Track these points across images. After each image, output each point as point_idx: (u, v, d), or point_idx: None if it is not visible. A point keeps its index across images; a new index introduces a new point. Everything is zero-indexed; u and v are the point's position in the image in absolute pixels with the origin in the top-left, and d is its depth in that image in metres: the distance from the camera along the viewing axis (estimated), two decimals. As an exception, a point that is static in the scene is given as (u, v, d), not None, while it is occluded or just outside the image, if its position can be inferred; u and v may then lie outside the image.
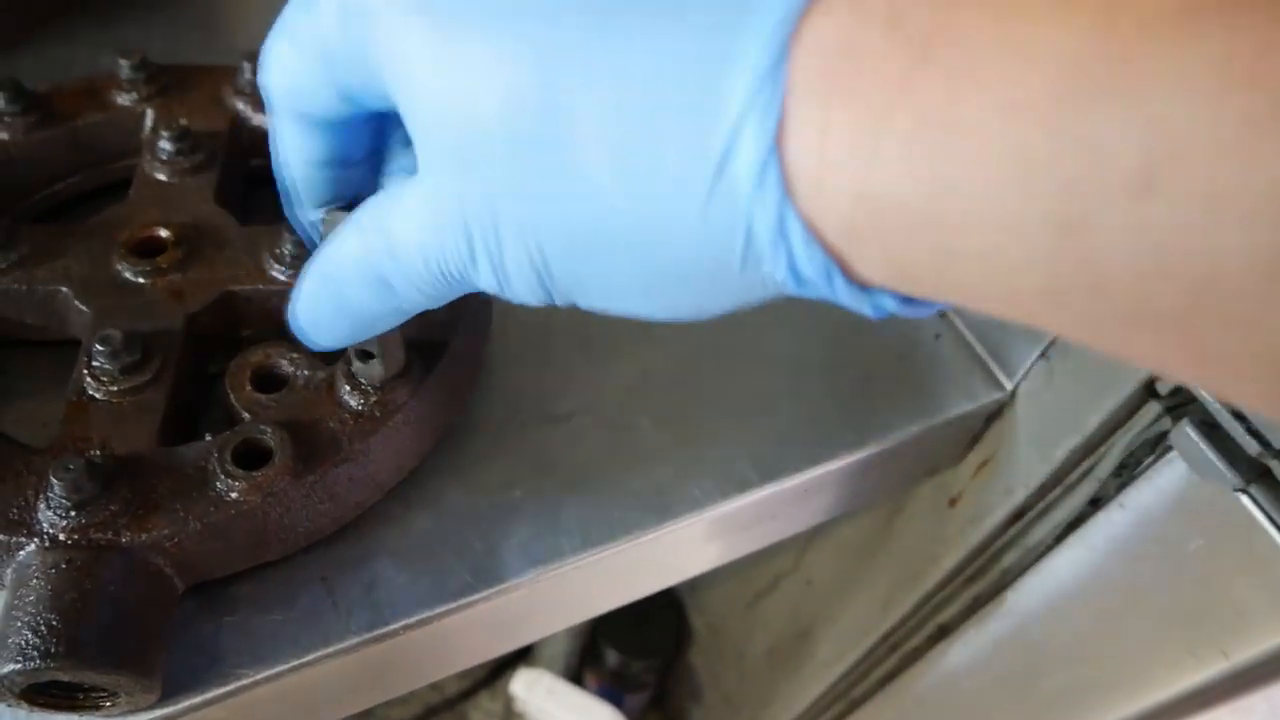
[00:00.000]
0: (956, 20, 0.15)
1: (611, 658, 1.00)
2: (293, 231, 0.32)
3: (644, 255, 0.19)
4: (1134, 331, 0.15)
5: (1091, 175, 0.14)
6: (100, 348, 0.29)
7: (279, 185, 0.27)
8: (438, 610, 0.30)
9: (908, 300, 0.19)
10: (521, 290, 0.22)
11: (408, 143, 0.26)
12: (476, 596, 0.31)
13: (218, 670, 0.28)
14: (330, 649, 0.29)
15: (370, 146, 0.26)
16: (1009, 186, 0.15)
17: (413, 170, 0.23)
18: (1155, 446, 0.36)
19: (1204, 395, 0.32)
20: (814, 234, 0.17)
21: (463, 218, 0.21)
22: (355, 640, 0.30)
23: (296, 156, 0.25)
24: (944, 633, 0.52)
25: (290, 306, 0.26)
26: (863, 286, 0.18)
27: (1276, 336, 0.13)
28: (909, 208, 0.16)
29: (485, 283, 0.22)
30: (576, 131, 0.18)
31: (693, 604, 0.98)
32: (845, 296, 0.18)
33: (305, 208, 0.27)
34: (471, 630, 0.32)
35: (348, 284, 0.24)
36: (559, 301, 0.22)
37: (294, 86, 0.23)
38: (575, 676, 1.04)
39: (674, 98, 0.17)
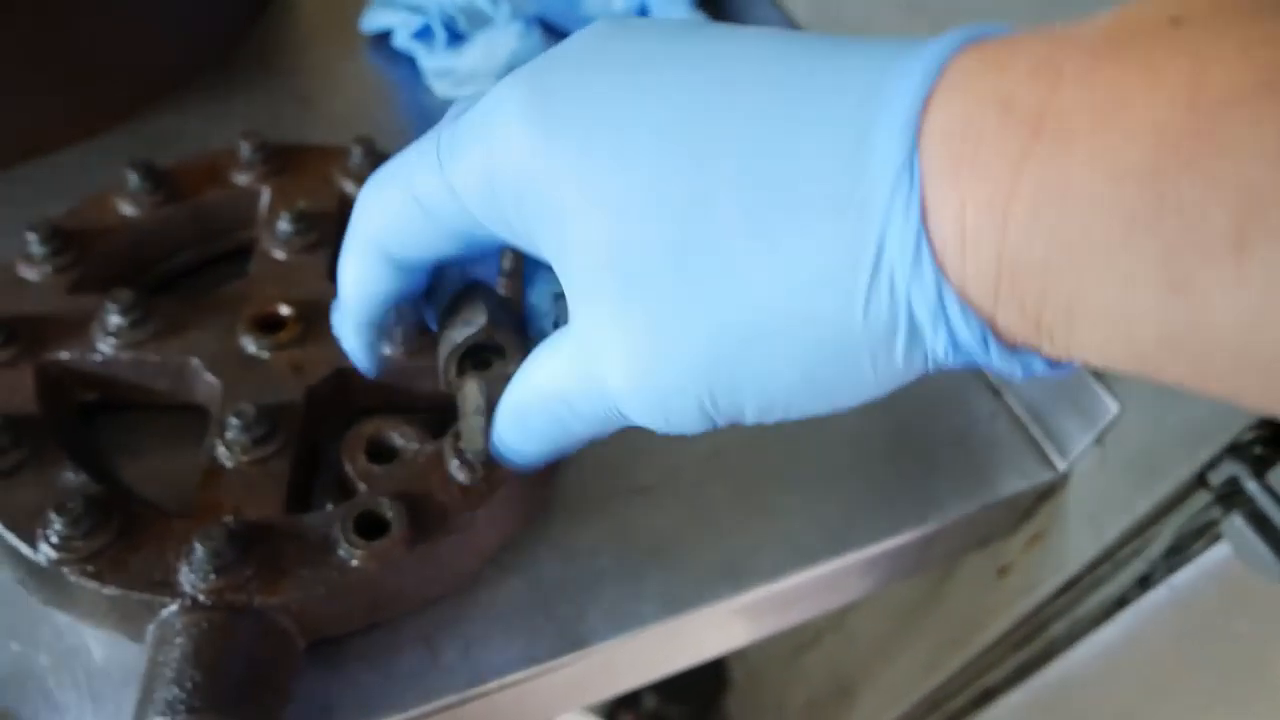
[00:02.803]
0: (1059, 99, 0.17)
1: (649, 700, 1.02)
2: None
3: (804, 352, 0.21)
4: (1242, 376, 0.17)
5: (1190, 237, 0.16)
6: (235, 420, 0.32)
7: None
8: (530, 672, 0.33)
9: (1052, 363, 0.20)
10: (684, 410, 0.23)
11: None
12: (565, 659, 0.33)
13: (331, 722, 0.31)
14: (430, 705, 0.32)
15: (429, 288, 0.29)
16: (1119, 248, 0.16)
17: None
18: (1205, 533, 0.37)
19: (1252, 489, 0.34)
20: (967, 303, 0.19)
21: (625, 348, 0.22)
22: (454, 698, 0.32)
23: (363, 290, 0.27)
24: (989, 696, 0.54)
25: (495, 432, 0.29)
26: (1011, 349, 0.20)
27: None
28: (1039, 267, 0.18)
29: (640, 414, 0.24)
30: (729, 237, 0.20)
31: (733, 650, 0.99)
32: (997, 359, 0.20)
33: (349, 333, 0.29)
34: (557, 689, 0.35)
35: (533, 415, 0.27)
36: (720, 420, 0.23)
37: (394, 229, 0.25)
38: (611, 718, 1.06)
39: (820, 199, 0.19)
